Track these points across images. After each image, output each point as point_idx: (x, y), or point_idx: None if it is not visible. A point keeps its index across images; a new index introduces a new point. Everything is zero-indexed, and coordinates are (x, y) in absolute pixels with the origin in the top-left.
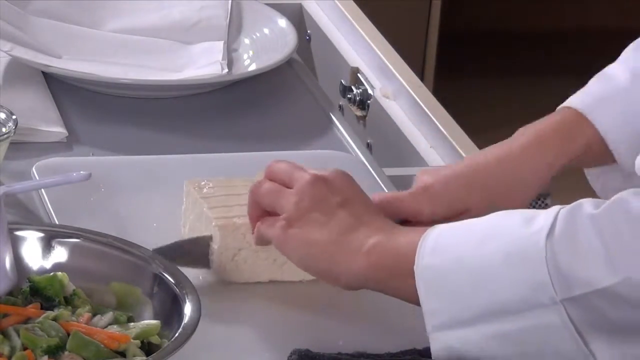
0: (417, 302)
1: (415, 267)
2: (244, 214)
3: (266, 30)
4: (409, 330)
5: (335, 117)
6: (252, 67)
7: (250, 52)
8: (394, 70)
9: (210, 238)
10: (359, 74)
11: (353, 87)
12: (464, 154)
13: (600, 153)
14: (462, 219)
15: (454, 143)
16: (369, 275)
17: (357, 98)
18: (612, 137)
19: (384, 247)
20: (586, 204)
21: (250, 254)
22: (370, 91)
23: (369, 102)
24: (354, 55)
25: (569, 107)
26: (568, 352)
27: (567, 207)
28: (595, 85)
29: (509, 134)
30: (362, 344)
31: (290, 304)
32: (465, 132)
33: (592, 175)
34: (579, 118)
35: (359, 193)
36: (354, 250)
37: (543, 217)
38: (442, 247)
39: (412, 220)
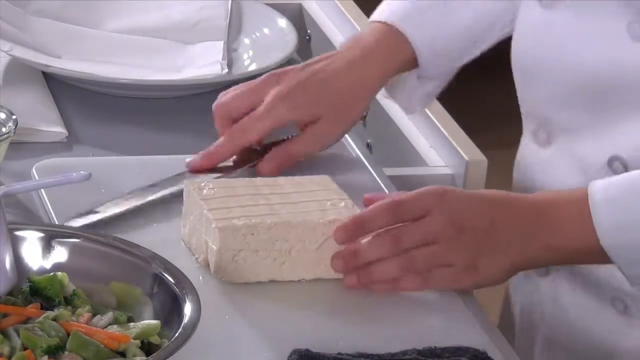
0: (596, 262)
1: (604, 246)
2: (244, 215)
3: (266, 30)
4: (409, 330)
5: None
6: (252, 67)
7: (250, 52)
8: None
9: None
10: None
11: None
12: (463, 154)
13: (409, 68)
14: (317, 128)
15: (453, 143)
16: (552, 263)
17: None
18: (421, 49)
19: (556, 247)
20: None
21: (250, 254)
22: None
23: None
24: None
25: (384, 23)
26: None
27: None
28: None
29: (509, 133)
30: (362, 344)
31: (290, 304)
32: (465, 132)
33: (396, 90)
34: (397, 34)
35: (477, 198)
36: (534, 250)
37: None
38: (622, 224)
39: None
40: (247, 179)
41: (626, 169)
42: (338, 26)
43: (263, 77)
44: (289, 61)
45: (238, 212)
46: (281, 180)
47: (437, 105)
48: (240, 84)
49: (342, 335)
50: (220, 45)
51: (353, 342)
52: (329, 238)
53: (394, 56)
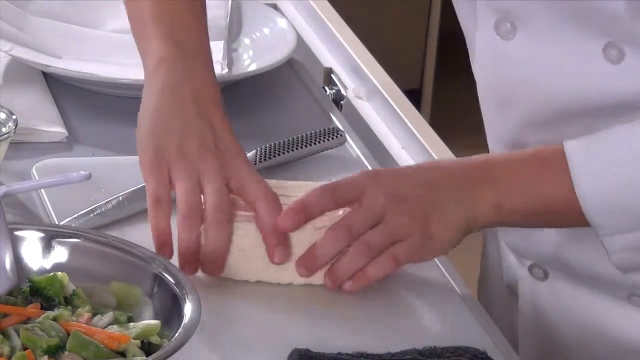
0: (569, 222)
1: (576, 187)
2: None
3: (266, 30)
4: (409, 330)
5: (335, 117)
6: (252, 67)
7: (250, 52)
8: (367, 71)
9: None
10: (332, 75)
11: (326, 88)
12: (435, 155)
13: None
14: None
15: (425, 144)
16: (505, 221)
17: (330, 98)
18: None
19: (512, 193)
20: None
21: (238, 253)
22: (343, 92)
23: (341, 102)
24: (327, 56)
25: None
26: None
27: None
28: None
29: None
30: (362, 344)
31: (290, 304)
32: (465, 132)
33: None
34: None
35: (409, 171)
36: (480, 206)
37: None
38: (597, 168)
39: None
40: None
41: None
42: (312, 27)
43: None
44: (288, 61)
45: (244, 217)
46: (289, 183)
47: (410, 106)
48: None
49: (342, 335)
50: (220, 45)
51: (353, 342)
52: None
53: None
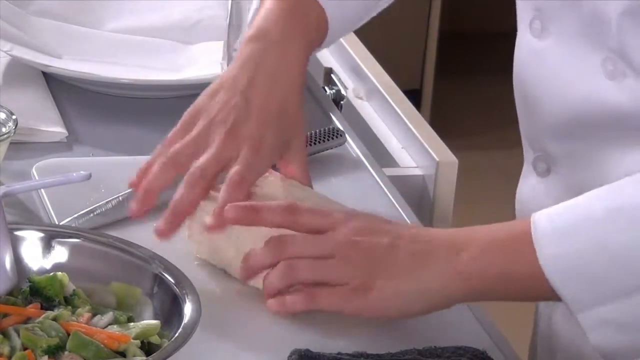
0: (533, 298)
1: (540, 259)
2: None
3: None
4: (409, 330)
5: (335, 117)
6: None
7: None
8: (366, 71)
9: None
10: (332, 75)
11: (326, 88)
12: (435, 155)
13: (325, 25)
14: (292, 149)
15: (425, 144)
16: (472, 292)
17: (330, 98)
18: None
19: (478, 261)
20: None
21: (214, 238)
22: (343, 92)
23: (341, 102)
24: (327, 56)
25: None
26: None
27: None
28: None
29: (509, 132)
30: (362, 344)
31: None
32: (465, 132)
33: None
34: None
35: (384, 219)
36: (446, 277)
37: None
38: (562, 232)
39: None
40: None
41: None
42: None
43: (199, 125)
44: None
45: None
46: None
47: (409, 106)
48: (172, 136)
49: (342, 335)
50: (220, 45)
51: (353, 342)
52: None
53: (308, 35)
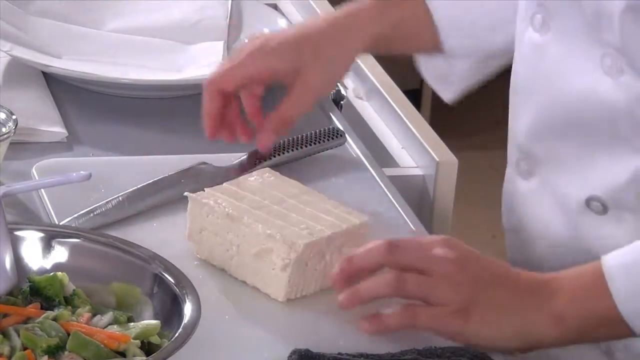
0: (623, 337)
1: (622, 314)
2: (226, 202)
3: (266, 30)
4: (409, 331)
5: (335, 117)
6: None
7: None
8: (366, 71)
9: None
10: None
11: None
12: (435, 155)
13: (410, 33)
14: (301, 81)
15: (425, 144)
16: (567, 338)
17: (330, 98)
18: (438, 17)
19: (572, 306)
20: None
21: (211, 235)
22: (343, 91)
23: (341, 102)
24: None
25: None
26: None
27: None
28: None
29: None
30: (362, 344)
31: (290, 304)
32: (465, 132)
33: (421, 60)
34: None
35: (486, 257)
36: (543, 319)
37: None
38: (637, 287)
39: (254, 81)
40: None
41: (605, 209)
42: None
43: (242, 47)
44: None
45: (224, 200)
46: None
47: (409, 106)
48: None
49: (342, 335)
50: (220, 45)
51: (353, 342)
52: (267, 250)
53: (390, 12)
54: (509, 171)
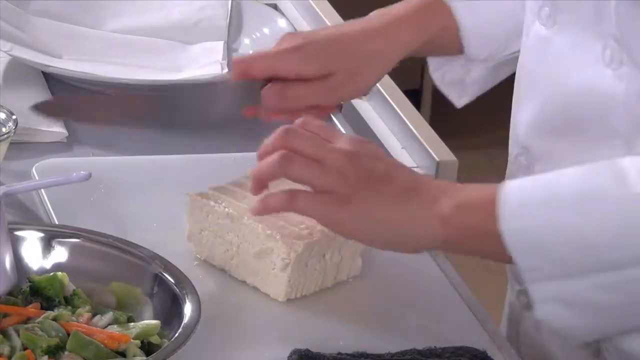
0: (502, 260)
1: (501, 227)
2: (226, 202)
3: (266, 30)
4: (409, 330)
5: (335, 117)
6: None
7: (250, 52)
8: None
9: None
10: None
11: None
12: (435, 156)
13: (450, 40)
14: (326, 83)
15: (425, 144)
16: (448, 238)
17: None
18: (465, 24)
19: (461, 210)
20: None
21: (210, 235)
22: None
23: (341, 102)
24: None
25: None
26: None
27: None
28: None
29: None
30: (362, 344)
31: (290, 304)
32: (465, 132)
33: (434, 64)
34: (437, 2)
35: (392, 159)
36: (426, 216)
37: (638, 175)
38: (527, 207)
39: (279, 77)
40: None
41: None
42: (312, 26)
43: (281, 39)
44: None
45: (224, 200)
46: None
47: (410, 106)
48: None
49: (342, 335)
50: (220, 45)
51: (353, 342)
52: (267, 250)
53: (428, 24)
54: (510, 166)
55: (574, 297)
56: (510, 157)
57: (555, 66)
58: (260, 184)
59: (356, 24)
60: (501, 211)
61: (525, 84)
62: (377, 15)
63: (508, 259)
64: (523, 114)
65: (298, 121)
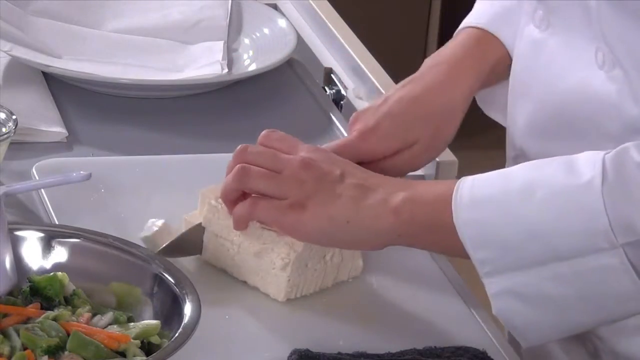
0: (456, 254)
1: (455, 220)
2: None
3: (266, 30)
4: (409, 330)
5: (335, 117)
6: (252, 67)
7: (250, 52)
8: (367, 71)
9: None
10: (332, 75)
11: (326, 88)
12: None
13: (505, 69)
14: (411, 152)
15: None
16: (401, 231)
17: (330, 98)
18: (511, 46)
19: (413, 203)
20: (632, 150)
21: (213, 236)
22: (343, 92)
23: (342, 102)
24: (327, 56)
25: (472, 27)
26: (626, 292)
27: (612, 153)
28: (486, 3)
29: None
30: (362, 344)
31: (290, 304)
32: (464, 132)
33: (483, 97)
34: (486, 36)
35: (349, 162)
36: (380, 211)
37: (587, 166)
38: (480, 199)
39: (365, 161)
40: None
41: None
42: (312, 26)
43: (352, 121)
44: (288, 61)
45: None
46: None
47: None
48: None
49: (342, 335)
50: (220, 45)
51: (353, 342)
52: (267, 250)
53: (485, 60)
54: (507, 166)
55: (527, 289)
56: (508, 159)
57: (549, 68)
58: (227, 201)
59: (417, 84)
60: (454, 203)
61: (519, 86)
62: (432, 66)
63: (462, 253)
64: (518, 115)
65: (261, 135)
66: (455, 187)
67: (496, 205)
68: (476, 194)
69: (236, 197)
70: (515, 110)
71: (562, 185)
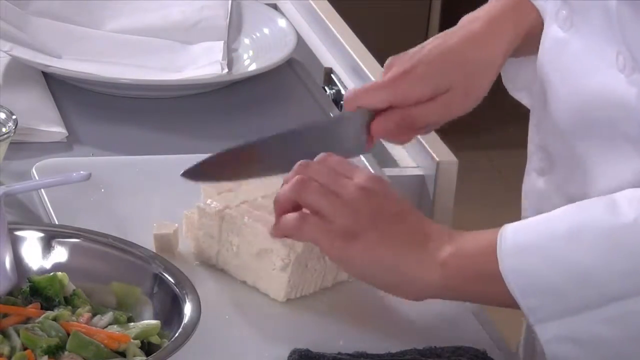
0: (503, 304)
1: (501, 269)
2: (223, 203)
3: (266, 30)
4: (409, 330)
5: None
6: (252, 67)
7: (250, 52)
8: (367, 71)
9: None
10: (332, 75)
11: (326, 88)
12: (435, 156)
13: (537, 38)
14: (443, 100)
15: (425, 144)
16: (447, 285)
17: (330, 98)
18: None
19: (459, 256)
20: None
21: (206, 237)
22: (343, 92)
23: (341, 102)
24: (327, 56)
25: None
26: None
27: None
28: None
29: (509, 132)
30: (362, 344)
31: (290, 304)
32: (465, 132)
33: (509, 71)
34: (524, 0)
35: (405, 201)
36: (427, 262)
37: (630, 205)
38: (524, 246)
39: (398, 105)
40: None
41: None
42: (312, 26)
43: (387, 64)
44: (288, 61)
45: (224, 200)
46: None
47: None
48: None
49: (342, 335)
50: (220, 45)
51: (353, 342)
52: (267, 250)
53: (522, 22)
54: (528, 166)
55: (580, 334)
56: (529, 158)
57: (571, 68)
58: (278, 207)
59: (454, 35)
60: (499, 252)
61: (542, 85)
62: (470, 21)
63: (511, 302)
64: (540, 114)
65: (318, 157)
66: (498, 236)
67: (543, 251)
68: (520, 241)
69: (288, 207)
70: (538, 108)
71: (608, 227)
